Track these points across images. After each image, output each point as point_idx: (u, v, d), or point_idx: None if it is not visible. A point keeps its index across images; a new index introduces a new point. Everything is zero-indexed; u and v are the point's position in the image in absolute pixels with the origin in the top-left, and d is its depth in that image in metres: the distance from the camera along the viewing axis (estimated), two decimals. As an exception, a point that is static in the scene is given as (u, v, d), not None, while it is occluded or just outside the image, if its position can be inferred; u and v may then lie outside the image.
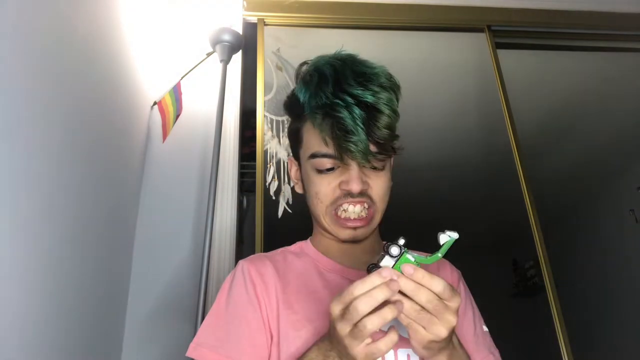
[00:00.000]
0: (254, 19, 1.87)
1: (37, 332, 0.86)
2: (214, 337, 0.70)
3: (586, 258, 3.14)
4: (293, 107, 0.78)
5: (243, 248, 1.71)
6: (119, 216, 1.34)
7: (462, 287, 0.81)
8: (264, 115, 1.71)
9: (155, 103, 1.62)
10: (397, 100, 0.73)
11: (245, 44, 1.68)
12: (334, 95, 0.69)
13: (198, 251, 1.44)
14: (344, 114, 0.67)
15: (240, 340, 0.69)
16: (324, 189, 0.73)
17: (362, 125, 0.67)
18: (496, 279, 3.29)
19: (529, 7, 2.02)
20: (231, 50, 1.55)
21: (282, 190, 1.71)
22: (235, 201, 1.55)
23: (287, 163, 0.87)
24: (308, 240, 0.83)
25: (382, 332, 0.70)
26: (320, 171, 0.73)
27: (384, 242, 0.54)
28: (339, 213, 0.73)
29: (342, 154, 0.69)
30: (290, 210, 1.68)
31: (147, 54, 1.61)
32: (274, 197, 1.67)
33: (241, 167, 1.66)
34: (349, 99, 0.68)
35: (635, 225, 2.73)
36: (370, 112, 0.68)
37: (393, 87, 0.72)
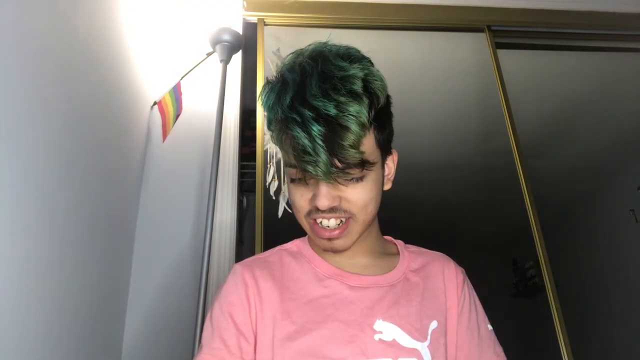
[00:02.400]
0: (254, 19, 1.87)
1: (37, 332, 0.86)
2: (204, 339, 0.69)
3: (586, 258, 3.14)
4: (273, 121, 0.72)
5: (243, 248, 1.71)
6: (118, 216, 1.34)
7: (467, 288, 0.79)
8: (264, 115, 1.71)
9: (155, 103, 1.62)
10: (376, 107, 0.64)
11: (245, 44, 1.68)
12: (291, 109, 0.61)
13: (198, 251, 1.44)
14: (299, 133, 0.60)
15: (227, 341, 0.68)
16: (298, 200, 0.69)
17: (321, 144, 0.59)
18: (496, 279, 3.29)
19: (529, 7, 2.02)
20: (231, 50, 1.55)
21: (282, 190, 1.70)
22: (235, 201, 1.55)
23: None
24: (306, 239, 0.79)
25: (383, 342, 0.67)
26: (293, 180, 0.69)
27: None
28: (317, 221, 0.68)
29: (303, 172, 0.63)
30: (290, 210, 1.68)
31: (147, 54, 1.61)
32: (274, 197, 1.67)
33: (241, 167, 1.66)
34: (308, 113, 0.59)
35: (635, 225, 2.73)
36: (332, 126, 0.60)
37: (368, 94, 0.62)
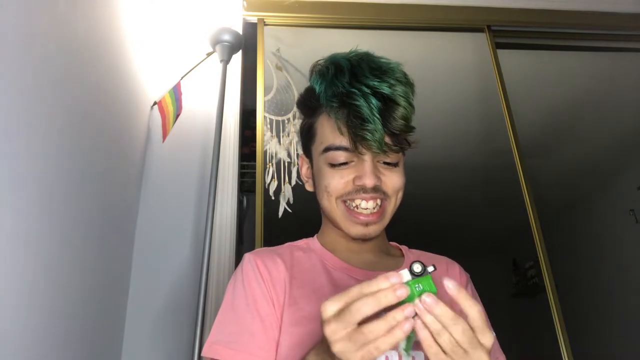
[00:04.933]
0: (254, 19, 1.87)
1: (37, 332, 0.86)
2: (227, 332, 0.68)
3: (586, 258, 3.14)
4: (307, 101, 0.78)
5: (243, 248, 1.71)
6: (119, 216, 1.34)
7: (470, 292, 0.79)
8: (264, 116, 1.71)
9: (155, 103, 1.62)
10: (413, 94, 0.72)
11: (245, 44, 1.68)
12: (351, 85, 0.69)
13: (198, 251, 1.44)
14: (361, 102, 0.67)
15: (255, 335, 0.67)
16: (335, 182, 0.72)
17: (378, 115, 0.67)
18: (496, 279, 3.29)
19: (529, 7, 2.02)
20: (231, 50, 1.55)
21: (282, 190, 1.71)
22: (235, 201, 1.55)
23: (298, 162, 0.85)
24: (315, 237, 0.82)
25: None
26: (333, 165, 0.72)
27: (413, 261, 0.48)
28: (351, 207, 0.72)
29: (357, 143, 0.68)
30: (290, 210, 1.68)
31: (147, 54, 1.62)
32: (273, 197, 1.67)
33: (241, 167, 1.66)
34: (366, 89, 0.68)
35: (635, 225, 2.73)
36: (387, 103, 0.68)
37: (409, 82, 0.72)
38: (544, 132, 2.52)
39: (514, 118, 1.84)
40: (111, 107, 1.28)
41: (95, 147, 1.15)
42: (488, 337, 0.47)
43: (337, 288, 0.71)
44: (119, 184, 1.34)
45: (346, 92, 0.69)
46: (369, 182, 0.69)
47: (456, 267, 0.82)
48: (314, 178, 0.78)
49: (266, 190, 1.63)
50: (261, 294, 0.70)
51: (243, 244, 1.74)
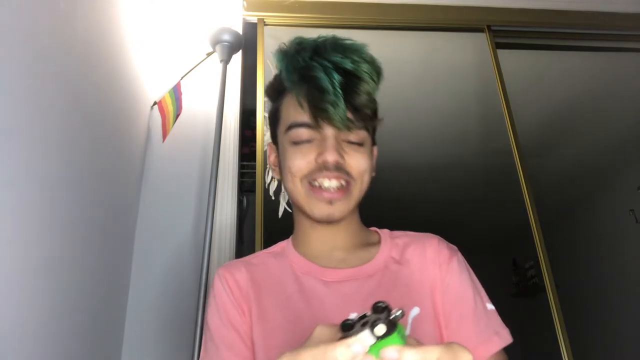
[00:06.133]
0: (254, 19, 1.87)
1: (37, 332, 0.86)
2: (208, 355, 0.68)
3: (586, 258, 3.14)
4: (274, 85, 0.77)
5: (243, 248, 1.71)
6: (119, 216, 1.34)
7: (457, 263, 0.73)
8: (264, 116, 1.71)
9: (155, 103, 1.62)
10: (379, 76, 0.70)
11: (245, 44, 1.68)
12: (312, 59, 0.67)
13: (198, 251, 1.44)
14: (321, 75, 0.65)
15: (233, 346, 0.67)
16: (297, 162, 0.69)
17: (339, 88, 0.65)
18: (496, 279, 3.28)
19: (529, 7, 2.02)
20: (231, 50, 1.55)
21: (282, 190, 1.70)
22: (235, 201, 1.55)
23: (267, 151, 0.83)
24: (290, 239, 0.79)
25: None
26: (295, 144, 0.70)
27: (375, 303, 0.40)
28: (315, 186, 0.69)
29: (317, 118, 0.67)
30: (290, 210, 1.68)
31: (147, 54, 1.62)
32: (273, 197, 1.67)
33: (241, 167, 1.66)
34: (327, 63, 0.66)
35: (635, 225, 2.74)
36: (349, 78, 0.66)
37: (374, 62, 0.69)
38: (544, 132, 2.52)
39: (514, 118, 1.84)
40: (111, 107, 1.28)
41: (95, 147, 1.15)
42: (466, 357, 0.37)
43: (305, 294, 0.69)
44: (119, 184, 1.34)
45: (306, 65, 0.67)
46: (331, 157, 0.66)
47: (434, 240, 0.75)
48: (280, 164, 0.75)
49: (266, 190, 1.63)
50: (232, 306, 0.70)
51: (243, 244, 1.74)
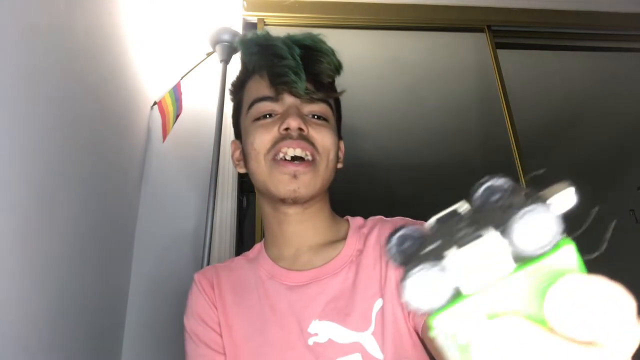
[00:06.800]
0: (254, 19, 1.87)
1: (37, 333, 0.86)
2: (197, 356, 0.69)
3: (586, 258, 3.14)
4: (235, 81, 0.79)
5: (243, 248, 1.71)
6: (119, 216, 1.34)
7: None
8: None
9: (155, 103, 1.62)
10: (339, 65, 0.71)
11: (245, 44, 1.68)
12: (273, 39, 0.70)
13: (198, 251, 1.44)
14: (279, 44, 0.67)
15: (215, 343, 0.68)
16: (260, 136, 0.68)
17: (297, 56, 0.66)
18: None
19: (529, 7, 2.02)
20: (231, 50, 1.55)
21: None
22: (235, 201, 1.55)
23: (231, 149, 0.80)
24: (262, 242, 0.78)
25: (318, 346, 0.60)
26: (257, 119, 0.69)
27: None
28: (278, 158, 0.66)
29: (277, 86, 0.67)
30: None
31: (147, 53, 1.62)
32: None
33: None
34: (286, 40, 0.69)
35: (635, 225, 2.74)
36: (308, 52, 0.68)
37: (335, 54, 0.71)
38: (544, 132, 2.52)
39: (514, 118, 1.84)
40: (111, 107, 1.28)
41: (95, 147, 1.15)
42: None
43: (270, 300, 0.67)
44: (119, 184, 1.34)
45: (266, 39, 0.70)
46: (293, 122, 0.65)
47: (389, 228, 0.70)
48: (244, 151, 0.73)
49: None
50: (208, 307, 0.70)
51: (243, 244, 1.74)
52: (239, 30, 1.68)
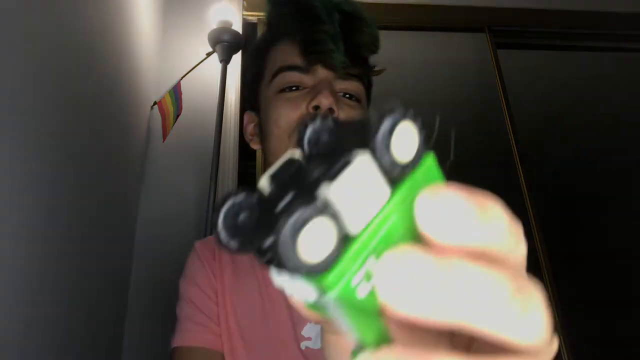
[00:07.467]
0: (254, 19, 1.87)
1: (37, 332, 0.86)
2: (178, 328, 0.69)
3: (586, 258, 3.14)
4: (257, 45, 0.69)
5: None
6: (119, 216, 1.34)
7: None
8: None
9: (155, 103, 1.62)
10: (378, 40, 0.61)
11: (245, 44, 1.68)
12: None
13: (198, 251, 1.44)
14: (318, 4, 0.57)
15: (210, 310, 0.66)
16: (286, 112, 0.58)
17: (338, 29, 0.56)
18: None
19: (529, 7, 2.02)
20: (231, 50, 1.55)
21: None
22: (235, 201, 1.55)
23: (244, 121, 0.72)
24: None
25: (309, 350, 0.57)
26: (283, 90, 0.59)
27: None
28: None
29: (311, 55, 0.57)
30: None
31: (147, 54, 1.61)
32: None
33: (241, 166, 1.66)
34: (327, 1, 0.58)
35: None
36: (349, 19, 0.57)
37: (375, 24, 0.62)
38: (544, 132, 2.52)
39: (514, 118, 1.84)
40: (111, 107, 1.28)
41: (95, 147, 1.15)
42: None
43: (267, 289, 0.65)
44: (119, 184, 1.34)
45: (306, 2, 0.59)
46: (325, 100, 0.55)
47: None
48: (262, 126, 0.64)
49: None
50: (206, 272, 0.68)
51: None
52: (239, 30, 1.68)
